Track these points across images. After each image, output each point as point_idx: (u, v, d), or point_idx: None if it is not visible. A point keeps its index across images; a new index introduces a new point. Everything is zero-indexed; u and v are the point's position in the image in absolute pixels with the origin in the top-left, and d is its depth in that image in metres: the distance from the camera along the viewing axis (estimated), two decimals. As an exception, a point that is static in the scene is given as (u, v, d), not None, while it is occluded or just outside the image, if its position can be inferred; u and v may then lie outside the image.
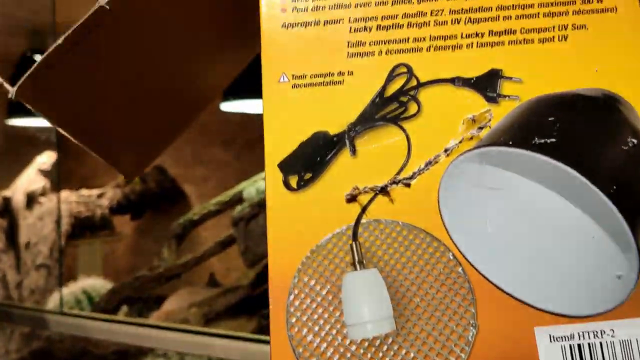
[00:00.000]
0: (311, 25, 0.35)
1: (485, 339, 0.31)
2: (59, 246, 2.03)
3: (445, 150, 0.33)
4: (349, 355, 0.32)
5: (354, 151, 0.34)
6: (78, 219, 2.12)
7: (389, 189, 0.33)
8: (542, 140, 0.31)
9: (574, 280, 0.32)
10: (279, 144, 0.34)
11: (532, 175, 0.33)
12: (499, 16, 0.35)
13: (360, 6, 0.35)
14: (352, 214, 0.33)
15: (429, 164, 0.33)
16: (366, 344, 0.32)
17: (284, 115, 0.35)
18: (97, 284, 1.90)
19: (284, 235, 0.33)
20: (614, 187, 0.29)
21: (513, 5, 0.35)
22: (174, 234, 1.66)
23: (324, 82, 0.35)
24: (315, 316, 0.32)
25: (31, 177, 2.11)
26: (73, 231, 2.12)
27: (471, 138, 0.34)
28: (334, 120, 0.34)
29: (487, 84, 0.34)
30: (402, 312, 0.32)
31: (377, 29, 0.35)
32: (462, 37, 0.35)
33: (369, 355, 0.32)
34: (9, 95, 0.39)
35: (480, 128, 0.34)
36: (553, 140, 0.31)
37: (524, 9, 0.35)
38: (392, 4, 0.35)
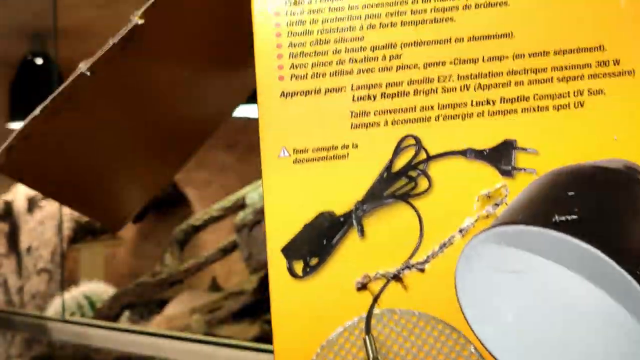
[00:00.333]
0: (311, 93, 0.33)
1: None
2: (60, 250, 2.02)
3: (460, 231, 0.31)
4: None
5: (362, 232, 0.32)
6: (79, 223, 2.11)
7: (401, 275, 0.31)
8: (563, 218, 0.29)
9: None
10: (281, 226, 0.32)
11: (551, 254, 0.31)
12: (510, 82, 0.32)
13: (363, 72, 0.33)
14: (363, 302, 0.31)
15: (443, 246, 0.31)
16: None
17: (286, 194, 0.32)
18: (99, 288, 1.90)
19: (291, 329, 0.31)
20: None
21: (525, 70, 0.32)
22: (176, 239, 1.64)
23: (327, 156, 0.33)
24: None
25: (31, 181, 2.09)
26: (75, 235, 2.11)
27: (487, 216, 0.31)
28: (339, 199, 0.32)
29: (501, 156, 0.32)
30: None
31: (381, 96, 0.33)
32: (472, 104, 0.32)
33: None
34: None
35: (497, 205, 0.31)
36: (574, 217, 0.29)
37: (536, 73, 0.32)
38: (397, 69, 0.33)
